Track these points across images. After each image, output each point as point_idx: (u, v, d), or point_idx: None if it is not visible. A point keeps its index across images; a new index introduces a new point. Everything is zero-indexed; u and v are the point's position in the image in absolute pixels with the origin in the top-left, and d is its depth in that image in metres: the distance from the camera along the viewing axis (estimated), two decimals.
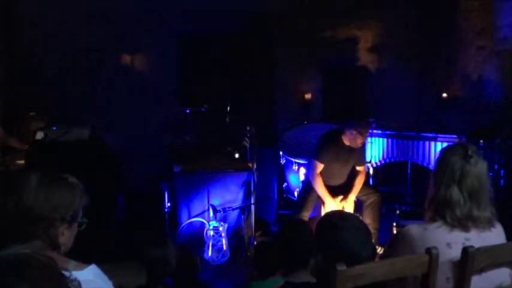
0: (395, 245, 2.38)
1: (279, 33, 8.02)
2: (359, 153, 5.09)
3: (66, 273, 1.40)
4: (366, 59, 8.46)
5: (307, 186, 5.18)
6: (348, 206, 5.00)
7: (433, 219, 2.30)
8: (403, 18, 8.32)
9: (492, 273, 2.26)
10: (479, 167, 2.29)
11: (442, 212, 2.27)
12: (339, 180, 5.15)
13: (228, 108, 6.30)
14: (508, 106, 5.99)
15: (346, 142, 4.91)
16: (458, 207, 2.25)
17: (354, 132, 4.79)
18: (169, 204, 5.49)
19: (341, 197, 5.05)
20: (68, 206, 1.79)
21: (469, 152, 2.29)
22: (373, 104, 8.29)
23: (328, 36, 8.18)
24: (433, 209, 2.32)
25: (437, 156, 2.42)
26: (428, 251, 1.99)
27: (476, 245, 2.17)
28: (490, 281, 2.25)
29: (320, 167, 4.97)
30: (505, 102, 6.09)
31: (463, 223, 2.25)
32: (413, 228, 2.30)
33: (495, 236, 2.29)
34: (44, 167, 1.81)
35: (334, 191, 5.05)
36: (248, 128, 5.37)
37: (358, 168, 5.15)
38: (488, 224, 2.28)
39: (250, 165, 5.26)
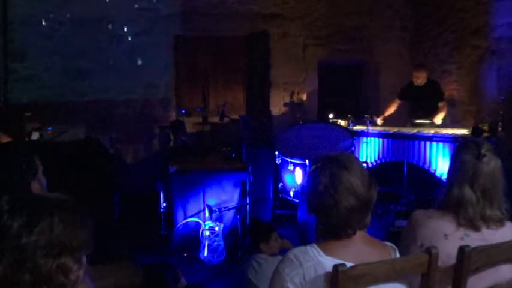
0: (406, 229, 2.43)
1: (275, 33, 8.01)
2: None
3: None
4: (363, 58, 8.47)
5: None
6: None
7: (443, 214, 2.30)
8: (400, 19, 8.34)
9: (490, 272, 2.25)
10: (492, 166, 2.27)
11: (455, 211, 2.26)
12: None
13: (225, 109, 6.30)
14: (504, 106, 5.99)
15: None
16: (471, 206, 2.24)
17: None
18: (165, 205, 5.47)
19: None
20: None
21: (483, 151, 2.27)
22: (370, 103, 8.31)
23: (324, 36, 8.18)
24: (445, 208, 2.31)
25: (451, 153, 2.41)
26: (428, 250, 1.98)
27: (476, 241, 2.16)
28: (487, 279, 2.24)
29: None
30: (501, 102, 6.09)
31: (475, 223, 2.24)
32: (419, 212, 2.36)
33: (500, 235, 2.27)
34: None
35: None
36: (244, 127, 5.36)
37: None
38: (498, 223, 2.27)
39: (246, 165, 5.25)
